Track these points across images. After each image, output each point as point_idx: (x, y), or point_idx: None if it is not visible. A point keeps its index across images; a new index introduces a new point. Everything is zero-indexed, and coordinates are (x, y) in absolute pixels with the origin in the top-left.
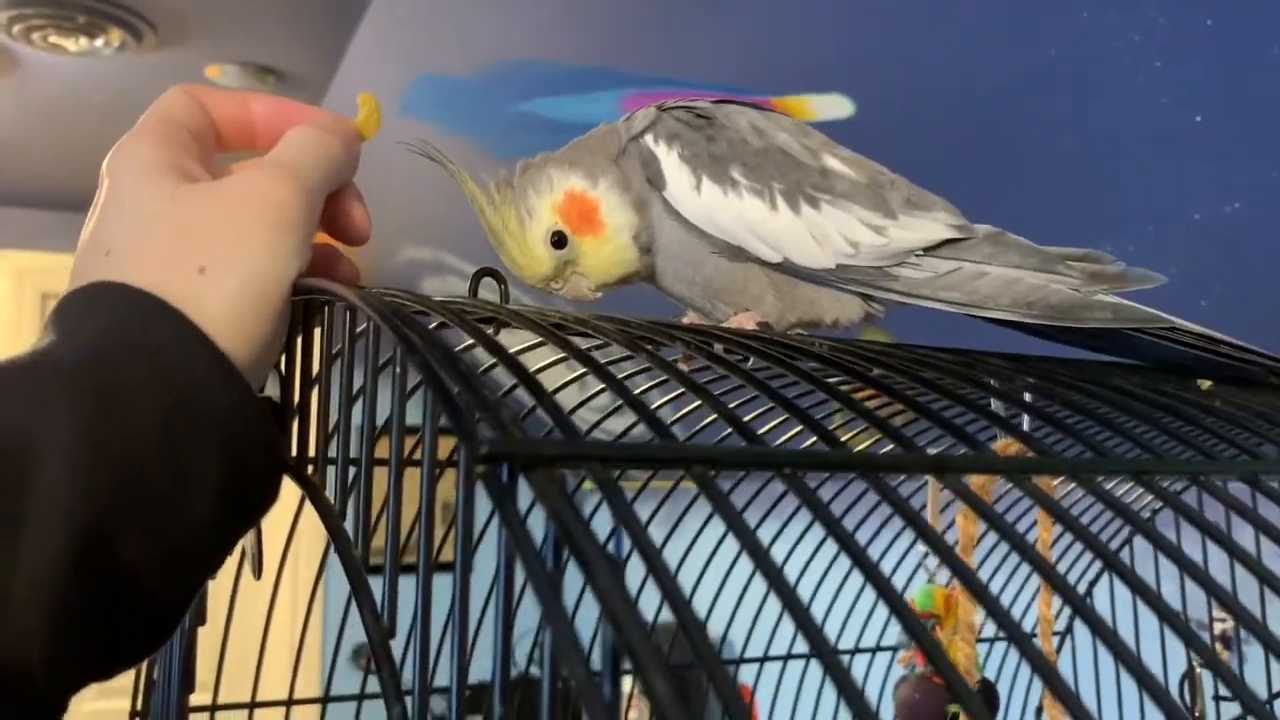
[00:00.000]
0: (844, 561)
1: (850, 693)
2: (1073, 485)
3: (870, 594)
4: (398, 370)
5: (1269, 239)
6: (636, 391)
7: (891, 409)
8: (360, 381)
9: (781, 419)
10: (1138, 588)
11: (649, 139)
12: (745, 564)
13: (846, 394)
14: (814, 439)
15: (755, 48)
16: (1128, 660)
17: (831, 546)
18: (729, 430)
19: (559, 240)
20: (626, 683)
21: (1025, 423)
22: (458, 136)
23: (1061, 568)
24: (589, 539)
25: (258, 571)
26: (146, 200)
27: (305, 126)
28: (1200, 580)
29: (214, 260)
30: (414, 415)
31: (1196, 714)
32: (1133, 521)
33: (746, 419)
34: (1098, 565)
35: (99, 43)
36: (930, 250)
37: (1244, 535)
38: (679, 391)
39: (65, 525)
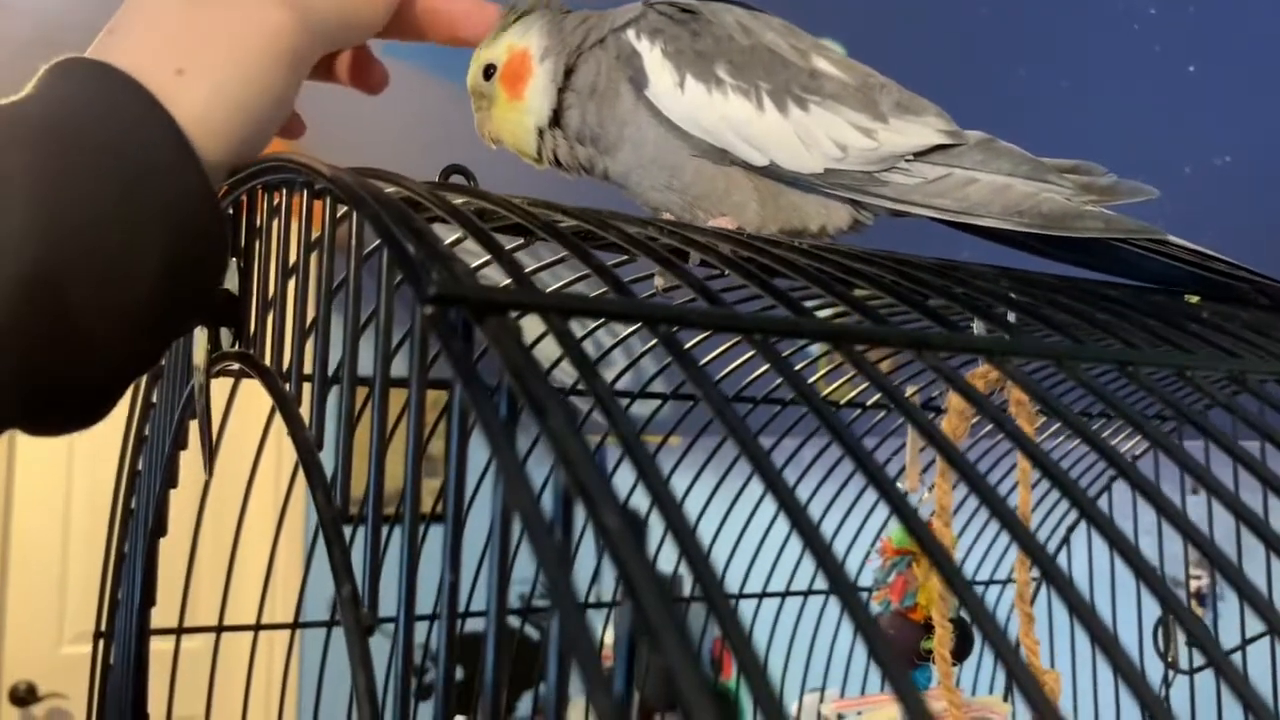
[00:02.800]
0: (820, 501)
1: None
2: (1058, 442)
3: (846, 536)
4: (352, 241)
5: (1259, 193)
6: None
7: (876, 300)
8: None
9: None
10: (1113, 539)
11: (631, 34)
12: (737, 515)
13: (822, 276)
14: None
15: None
16: (1092, 626)
17: (806, 488)
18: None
19: (489, 72)
20: (607, 635)
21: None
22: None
23: (1039, 514)
24: (543, 383)
25: (209, 465)
26: None
27: None
28: (1172, 518)
29: (193, 65)
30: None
31: (1170, 658)
32: (1120, 410)
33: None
34: (1076, 511)
35: None
36: (920, 156)
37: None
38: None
39: (18, 256)
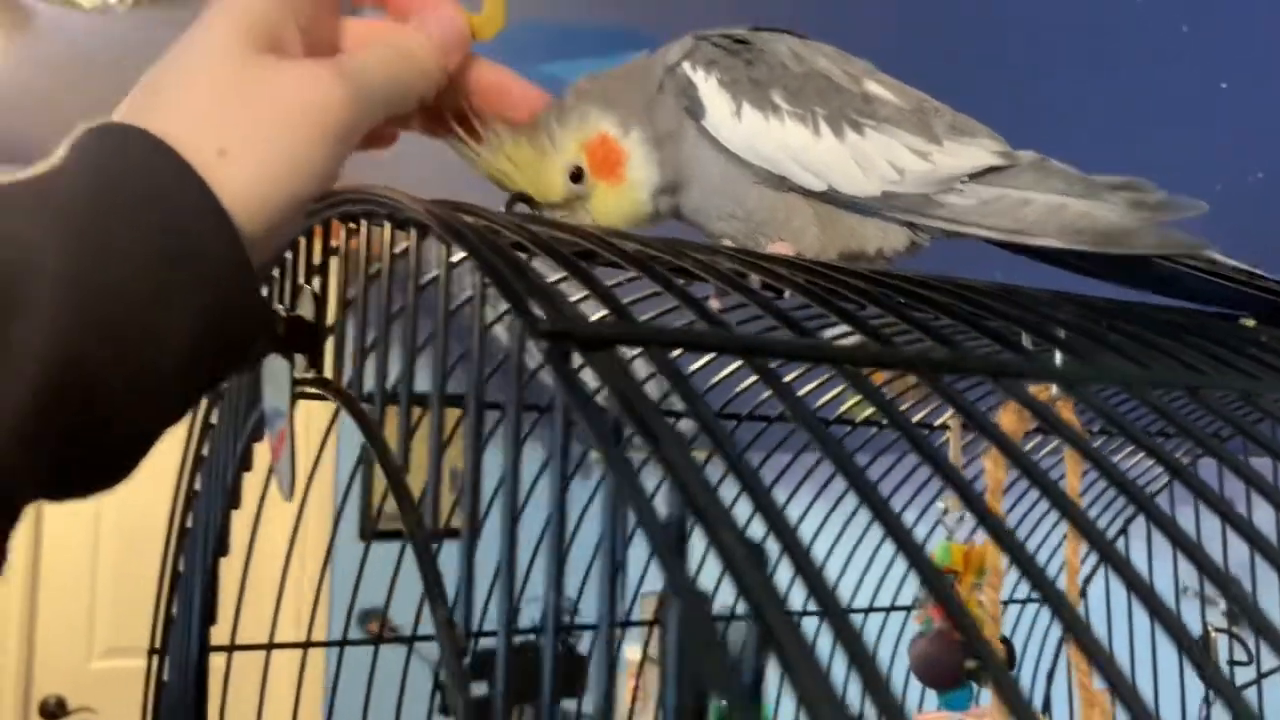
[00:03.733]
0: (861, 519)
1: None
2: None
3: (886, 553)
4: (446, 267)
5: None
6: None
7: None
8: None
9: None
10: (1175, 538)
11: (686, 66)
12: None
13: (892, 301)
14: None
15: (776, 7)
16: (1152, 604)
17: (849, 504)
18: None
19: (576, 175)
20: (633, 652)
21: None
22: None
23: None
24: (654, 412)
25: (289, 492)
26: (216, 59)
27: (392, 43)
28: (1237, 526)
29: (237, 144)
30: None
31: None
32: (1193, 435)
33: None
34: (1116, 526)
35: None
36: (975, 177)
37: None
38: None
39: (44, 349)
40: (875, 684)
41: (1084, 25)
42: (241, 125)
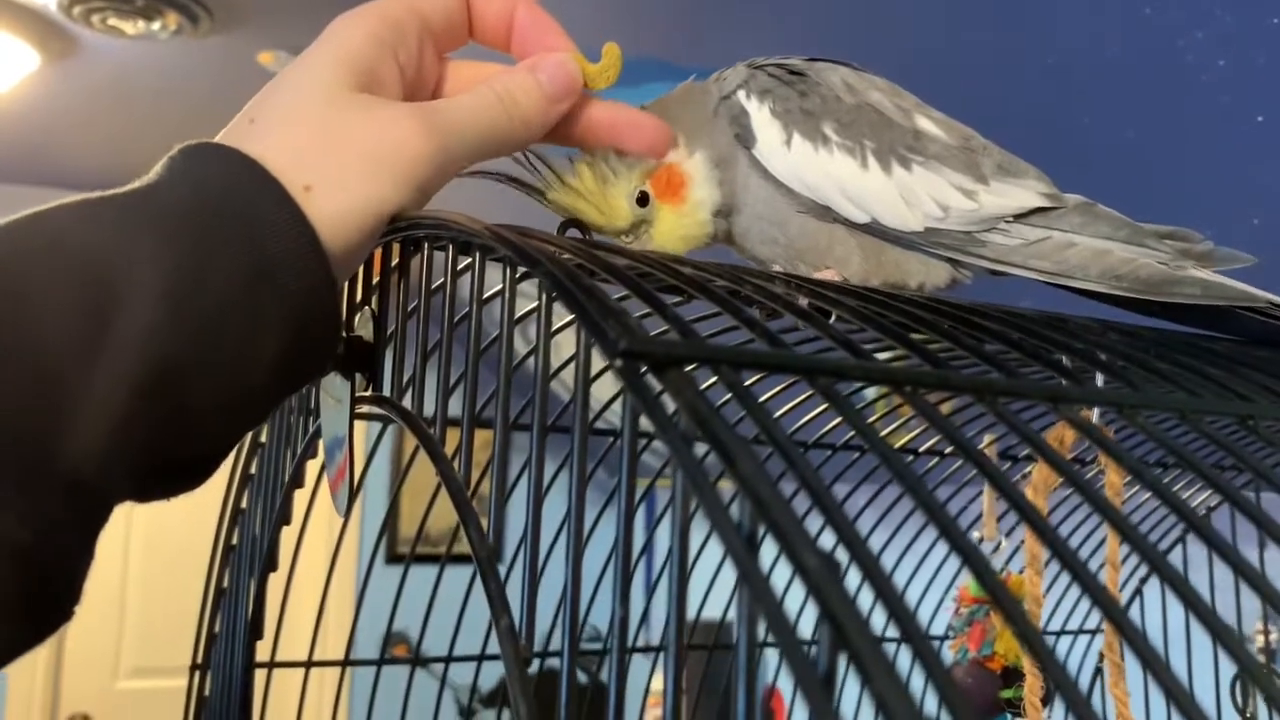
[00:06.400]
0: (895, 548)
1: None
2: (1134, 490)
3: (919, 581)
4: (508, 294)
5: None
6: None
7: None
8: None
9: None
10: (1187, 598)
11: (740, 95)
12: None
13: (947, 327)
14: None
15: (810, 38)
16: (1202, 614)
17: (880, 535)
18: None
19: (642, 199)
20: (655, 681)
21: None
22: None
23: (1123, 555)
24: (727, 429)
25: (343, 508)
26: (314, 95)
27: (497, 89)
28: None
29: (322, 183)
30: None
31: (1249, 714)
32: (1242, 458)
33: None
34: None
35: (156, 26)
36: (1020, 218)
37: None
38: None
39: (142, 355)
40: (950, 694)
41: (1118, 59)
42: (328, 166)
